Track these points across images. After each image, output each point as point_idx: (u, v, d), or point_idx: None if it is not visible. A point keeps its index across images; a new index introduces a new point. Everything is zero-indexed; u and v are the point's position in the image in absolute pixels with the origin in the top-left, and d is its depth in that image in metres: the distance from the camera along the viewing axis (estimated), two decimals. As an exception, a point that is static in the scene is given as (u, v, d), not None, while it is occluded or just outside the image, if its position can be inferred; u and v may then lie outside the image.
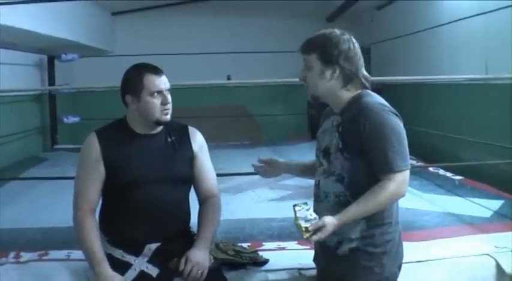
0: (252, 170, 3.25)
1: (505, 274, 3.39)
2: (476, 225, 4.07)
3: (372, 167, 2.49)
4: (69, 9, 7.49)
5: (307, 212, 2.45)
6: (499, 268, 3.40)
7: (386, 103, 2.56)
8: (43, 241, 3.76)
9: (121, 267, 2.75)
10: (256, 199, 5.25)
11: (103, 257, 2.71)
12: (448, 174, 5.86)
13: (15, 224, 4.14)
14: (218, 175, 3.22)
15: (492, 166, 5.94)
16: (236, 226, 4.06)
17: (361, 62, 2.60)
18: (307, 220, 2.43)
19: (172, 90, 2.93)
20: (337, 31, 2.61)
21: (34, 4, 5.80)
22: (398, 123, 2.50)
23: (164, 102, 2.84)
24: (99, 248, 2.73)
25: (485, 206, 4.62)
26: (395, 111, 2.54)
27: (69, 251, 3.40)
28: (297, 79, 2.80)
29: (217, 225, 3.00)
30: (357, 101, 2.56)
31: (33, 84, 8.63)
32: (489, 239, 3.72)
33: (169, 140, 2.95)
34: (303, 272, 3.23)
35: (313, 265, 3.23)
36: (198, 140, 3.04)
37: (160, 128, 2.93)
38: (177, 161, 2.93)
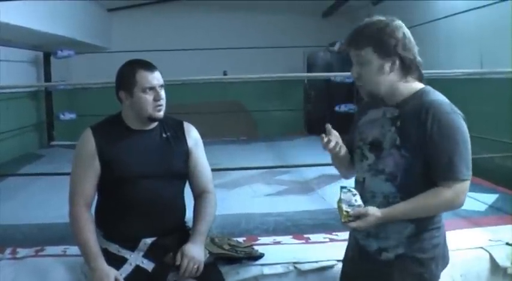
0: (249, 165, 3.21)
1: (499, 267, 3.41)
2: (471, 219, 4.08)
3: (431, 171, 2.29)
4: (65, 5, 7.50)
5: (352, 197, 2.31)
6: (493, 261, 3.42)
7: (452, 104, 2.35)
8: (39, 237, 3.77)
9: (116, 262, 2.77)
10: (252, 194, 5.26)
11: (98, 252, 2.72)
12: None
13: (11, 220, 4.15)
14: (214, 170, 3.22)
15: (487, 160, 5.95)
16: (232, 221, 4.07)
17: (417, 48, 2.38)
18: (350, 205, 2.29)
19: (169, 86, 2.94)
20: (385, 18, 2.37)
21: (30, 1, 5.79)
22: (466, 129, 2.31)
23: (157, 99, 2.84)
24: (94, 243, 2.74)
25: (480, 200, 4.63)
26: (461, 113, 2.34)
27: (66, 246, 3.41)
28: (293, 74, 2.69)
29: (212, 220, 3.00)
30: (422, 96, 2.34)
31: (30, 81, 8.64)
32: (483, 232, 3.74)
33: (164, 135, 2.95)
34: (298, 266, 3.25)
35: (308, 259, 3.26)
36: (193, 136, 3.04)
37: (155, 123, 2.93)
38: (172, 156, 2.93)
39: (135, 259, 2.82)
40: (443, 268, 2.49)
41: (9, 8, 5.38)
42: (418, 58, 2.38)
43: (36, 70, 8.96)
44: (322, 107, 10.31)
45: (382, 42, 2.30)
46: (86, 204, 2.83)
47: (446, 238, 2.52)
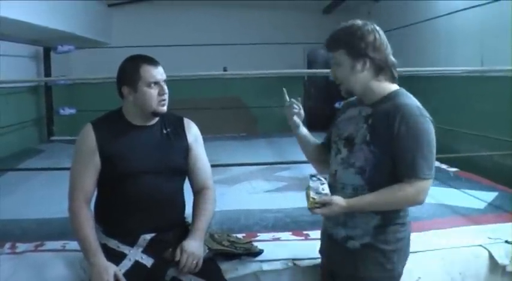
0: (248, 161, 3.22)
1: (497, 264, 3.42)
2: (470, 216, 4.09)
3: (397, 168, 2.45)
4: (65, 0, 7.48)
5: (320, 185, 2.47)
6: (492, 259, 3.43)
7: (422, 107, 2.51)
8: (39, 232, 3.77)
9: (116, 257, 2.77)
10: (252, 190, 5.25)
11: (98, 248, 2.73)
12: (443, 166, 5.86)
13: (11, 215, 4.15)
14: (214, 166, 3.22)
15: (486, 158, 5.97)
16: (231, 217, 4.07)
17: (389, 49, 2.55)
18: (317, 192, 2.44)
19: (169, 81, 2.94)
20: (360, 22, 2.54)
21: (30, -5, 5.80)
22: (432, 132, 2.46)
23: (161, 93, 2.85)
24: (94, 238, 2.75)
25: (479, 198, 4.64)
26: (430, 116, 2.49)
27: (65, 241, 3.41)
28: (293, 70, 2.79)
29: (212, 216, 3.01)
30: (394, 98, 2.51)
31: (29, 76, 8.60)
32: (483, 230, 3.74)
33: (164, 131, 2.95)
34: (297, 262, 3.26)
35: (308, 255, 3.27)
36: (193, 132, 3.05)
37: (155, 119, 2.94)
38: (172, 152, 2.94)
39: (135, 254, 2.82)
40: (404, 264, 2.65)
41: (9, 2, 5.37)
42: (391, 59, 2.56)
43: (36, 65, 8.94)
44: (322, 104, 10.32)
45: (353, 45, 2.50)
46: (86, 199, 2.83)
47: (410, 236, 2.68)
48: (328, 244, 2.74)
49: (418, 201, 2.48)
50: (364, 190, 2.51)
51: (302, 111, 2.86)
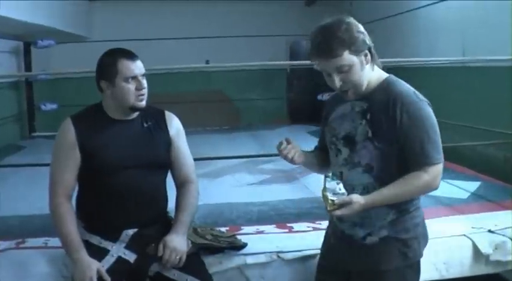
0: (231, 154, 3.19)
1: (481, 254, 3.44)
2: (454, 206, 4.12)
3: (406, 158, 2.39)
4: (44, -6, 7.40)
5: (337, 186, 2.36)
6: (475, 248, 3.45)
7: (416, 91, 2.46)
8: (20, 229, 3.74)
9: (98, 253, 2.74)
10: (235, 184, 5.25)
11: (80, 244, 2.70)
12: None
13: (-8, 212, 4.10)
14: (197, 159, 3.20)
15: (469, 148, 5.99)
16: (215, 211, 4.06)
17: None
18: (335, 193, 2.34)
19: (150, 75, 2.91)
20: (341, 18, 2.38)
21: (8, -11, 5.72)
22: (433, 114, 2.42)
23: (139, 88, 2.81)
24: (76, 234, 2.72)
25: (463, 188, 4.67)
26: (426, 99, 2.46)
27: (47, 238, 3.38)
28: (275, 62, 2.69)
29: (195, 210, 2.99)
30: (387, 87, 2.44)
31: (10, 71, 8.51)
32: (466, 220, 3.77)
33: (145, 125, 2.92)
34: (281, 255, 3.25)
35: (292, 248, 3.26)
36: (174, 125, 3.02)
37: (136, 113, 2.90)
38: (154, 146, 2.91)
39: (117, 250, 2.80)
40: (424, 246, 2.59)
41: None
42: None
43: (16, 60, 8.83)
44: (305, 96, 10.33)
45: (355, 41, 2.34)
46: (67, 195, 2.80)
47: (424, 218, 2.62)
48: (345, 242, 2.60)
49: (435, 186, 2.42)
50: (374, 187, 2.43)
51: (297, 147, 2.57)
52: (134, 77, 2.80)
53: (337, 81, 2.39)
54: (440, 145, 2.41)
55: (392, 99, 2.39)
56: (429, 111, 2.42)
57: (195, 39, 9.84)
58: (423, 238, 2.57)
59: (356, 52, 2.34)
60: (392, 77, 2.51)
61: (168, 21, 10.44)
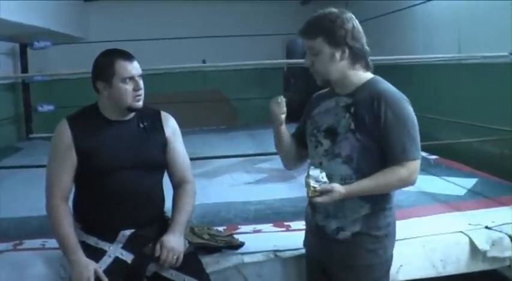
0: (228, 154, 3.20)
1: (478, 250, 3.45)
2: (451, 203, 4.13)
3: (386, 153, 2.48)
4: (40, -5, 7.38)
5: (320, 174, 2.45)
6: (472, 244, 3.46)
7: (399, 91, 2.56)
8: (18, 231, 3.75)
9: (95, 254, 2.74)
10: (232, 183, 5.25)
11: (77, 245, 2.70)
12: (423, 154, 5.87)
13: (-11, 215, 4.10)
14: (194, 159, 3.20)
15: (466, 145, 6.00)
16: (212, 210, 4.07)
17: (364, 38, 2.56)
18: (317, 181, 2.43)
19: (147, 76, 2.91)
20: (337, 10, 2.52)
21: (3, -9, 5.71)
22: (413, 113, 2.52)
23: (136, 89, 2.81)
24: (73, 235, 2.72)
25: (459, 185, 4.67)
26: (407, 98, 2.55)
27: (44, 240, 3.39)
28: (271, 61, 2.76)
29: (192, 210, 2.98)
30: (372, 85, 2.54)
31: (6, 73, 8.50)
32: (463, 217, 3.78)
33: (141, 125, 2.92)
34: (278, 254, 3.26)
35: (289, 246, 3.27)
36: (170, 125, 3.02)
37: (132, 114, 2.90)
38: (150, 146, 2.91)
39: (114, 250, 2.79)
40: (393, 247, 2.68)
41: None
42: (366, 48, 2.57)
43: (12, 62, 8.84)
44: (302, 95, 10.31)
45: (333, 33, 2.48)
46: (63, 196, 2.79)
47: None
48: (318, 236, 2.70)
49: (412, 181, 2.52)
50: (351, 179, 2.51)
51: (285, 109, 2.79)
52: (131, 78, 2.80)
53: (307, 61, 2.58)
54: (419, 143, 2.52)
55: (376, 97, 2.48)
56: (411, 109, 2.52)
57: (191, 39, 9.83)
58: (393, 238, 2.67)
59: (330, 43, 2.48)
60: (378, 77, 2.60)
61: (164, 21, 10.43)
